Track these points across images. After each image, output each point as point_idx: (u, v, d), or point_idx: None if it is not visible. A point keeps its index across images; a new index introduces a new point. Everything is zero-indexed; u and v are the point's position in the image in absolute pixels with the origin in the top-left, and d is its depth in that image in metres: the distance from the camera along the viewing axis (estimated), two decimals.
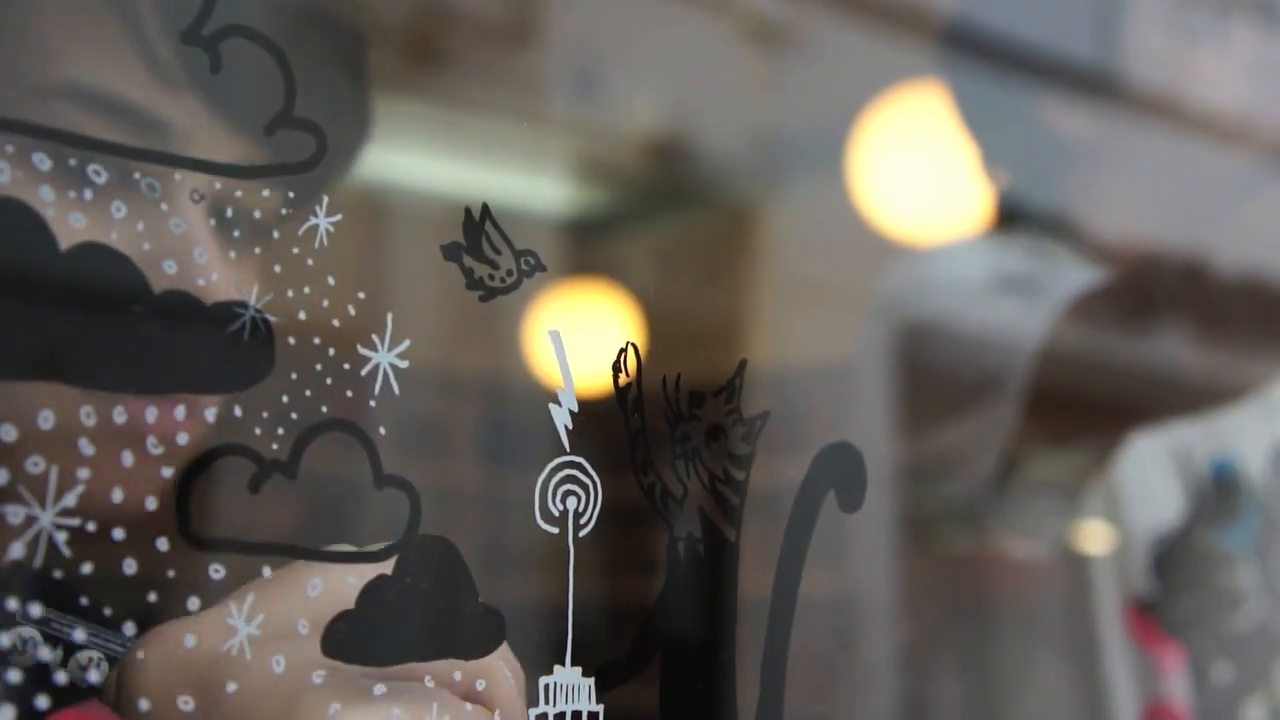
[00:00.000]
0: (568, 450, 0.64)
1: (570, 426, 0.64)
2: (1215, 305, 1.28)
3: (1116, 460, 1.33)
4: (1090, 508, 1.38)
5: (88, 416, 0.53)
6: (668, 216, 1.78)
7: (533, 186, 1.61)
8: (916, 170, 1.58)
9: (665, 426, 0.66)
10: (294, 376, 0.58)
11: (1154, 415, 1.32)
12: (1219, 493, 1.38)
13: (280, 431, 0.57)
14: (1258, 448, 1.42)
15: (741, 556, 0.67)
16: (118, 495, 0.54)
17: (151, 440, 0.55)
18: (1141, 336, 1.29)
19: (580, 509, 0.63)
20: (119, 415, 0.54)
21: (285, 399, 0.58)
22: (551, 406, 0.64)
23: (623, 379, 0.65)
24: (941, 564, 1.43)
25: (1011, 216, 1.43)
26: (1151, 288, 1.27)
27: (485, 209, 0.63)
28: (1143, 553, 1.35)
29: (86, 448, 0.53)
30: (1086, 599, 1.36)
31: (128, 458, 0.54)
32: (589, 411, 0.65)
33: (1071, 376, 1.29)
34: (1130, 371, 1.31)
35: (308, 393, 0.58)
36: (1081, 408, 1.32)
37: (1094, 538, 1.39)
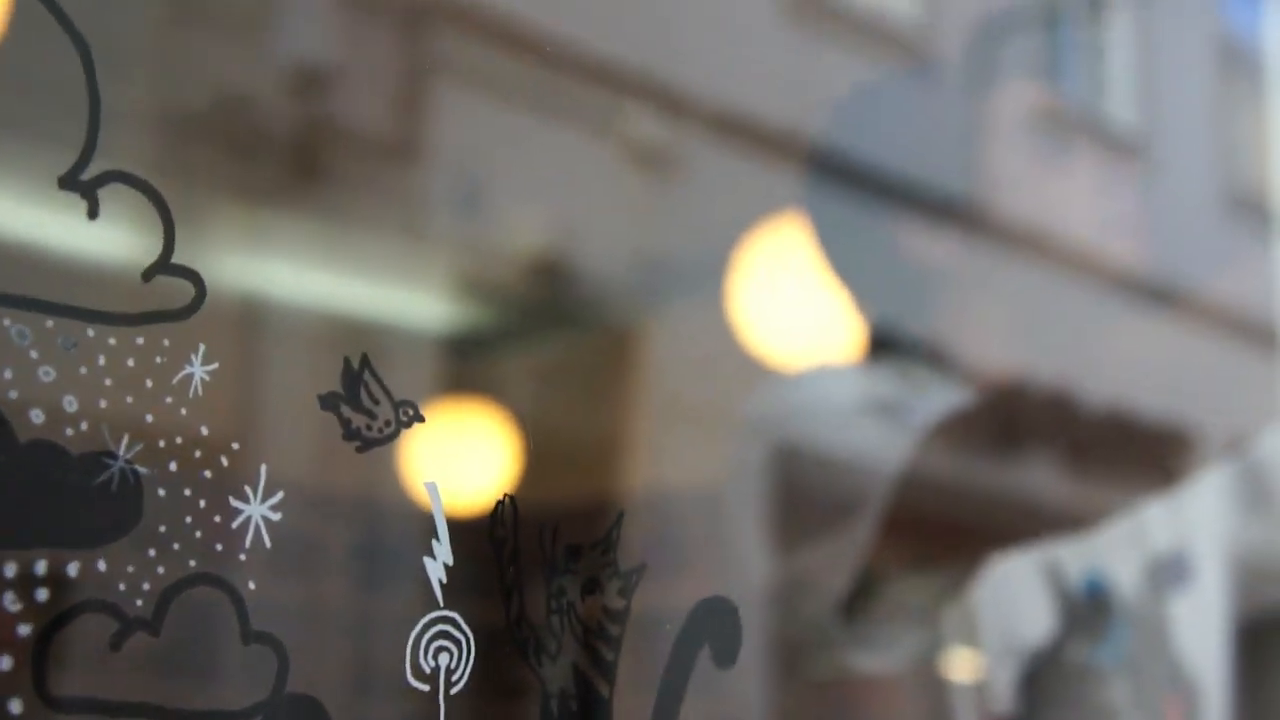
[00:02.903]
0: (441, 604, 0.63)
1: (444, 580, 0.63)
2: (1081, 433, 1.31)
3: (976, 581, 1.35)
4: (947, 627, 1.39)
5: None
6: (549, 336, 1.78)
7: (414, 302, 1.61)
8: (792, 298, 1.60)
9: (541, 580, 0.66)
10: (162, 529, 0.57)
11: (1018, 539, 1.34)
12: (1091, 609, 1.40)
13: (146, 586, 0.56)
14: (1128, 564, 1.44)
15: (615, 714, 0.66)
16: None
17: (9, 597, 0.53)
18: (1006, 462, 1.31)
19: (452, 665, 0.62)
20: None
21: (152, 552, 0.56)
22: (426, 560, 0.63)
23: (499, 531, 0.65)
24: (810, 687, 1.43)
25: (881, 343, 1.45)
26: (1017, 414, 1.30)
27: (364, 359, 0.62)
28: (1002, 671, 1.36)
29: None
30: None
31: None
32: (464, 563, 0.64)
33: (935, 500, 1.31)
34: (994, 496, 1.33)
35: (176, 546, 0.57)
36: (945, 531, 1.33)
37: (956, 663, 1.40)
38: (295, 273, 1.44)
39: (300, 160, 1.54)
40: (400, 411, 0.63)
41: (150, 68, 1.41)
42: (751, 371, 1.58)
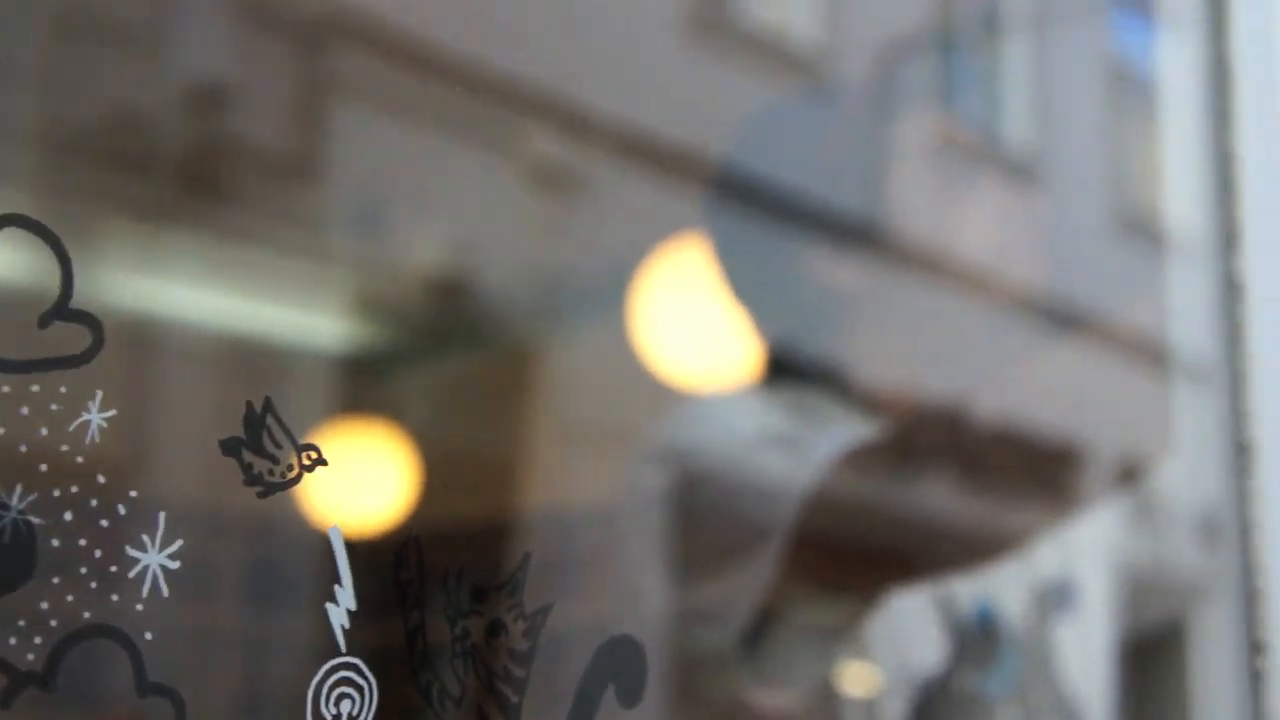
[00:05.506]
0: (343, 650, 0.62)
1: (347, 626, 0.62)
2: (975, 455, 1.32)
3: (879, 609, 1.35)
4: (844, 657, 1.39)
5: None
6: (448, 355, 1.77)
7: (311, 322, 1.59)
8: (693, 320, 1.60)
9: (445, 622, 0.65)
10: (56, 581, 0.55)
11: (919, 565, 1.35)
12: (982, 638, 1.41)
13: (38, 640, 0.55)
14: (1016, 590, 1.46)
15: None
16: None
17: None
18: (907, 486, 1.32)
19: (354, 712, 0.61)
20: None
21: (45, 605, 0.55)
22: (329, 606, 0.62)
23: (404, 574, 0.64)
24: (703, 712, 1.43)
25: (781, 367, 1.45)
26: (914, 438, 1.31)
27: (267, 402, 0.61)
28: (894, 700, 1.37)
29: None
30: None
31: None
32: (365, 604, 0.63)
33: (838, 525, 1.31)
34: (895, 521, 1.33)
35: (69, 598, 0.56)
36: (847, 556, 1.33)
37: (853, 680, 1.41)
38: (190, 293, 1.42)
39: (195, 178, 1.51)
40: (303, 456, 0.62)
41: (39, 83, 1.38)
42: (652, 394, 1.58)
